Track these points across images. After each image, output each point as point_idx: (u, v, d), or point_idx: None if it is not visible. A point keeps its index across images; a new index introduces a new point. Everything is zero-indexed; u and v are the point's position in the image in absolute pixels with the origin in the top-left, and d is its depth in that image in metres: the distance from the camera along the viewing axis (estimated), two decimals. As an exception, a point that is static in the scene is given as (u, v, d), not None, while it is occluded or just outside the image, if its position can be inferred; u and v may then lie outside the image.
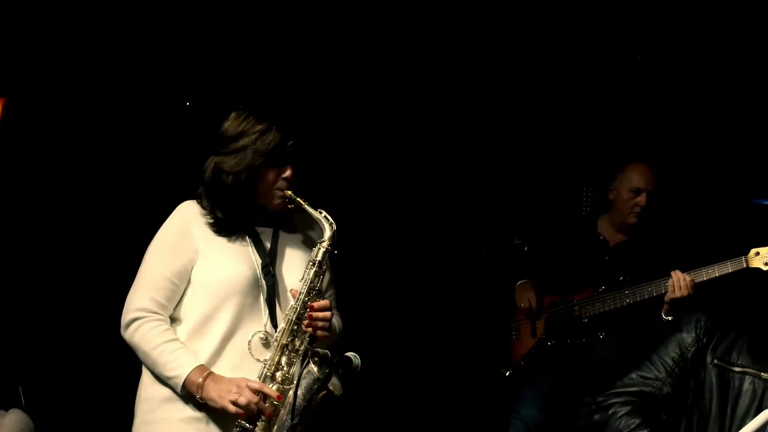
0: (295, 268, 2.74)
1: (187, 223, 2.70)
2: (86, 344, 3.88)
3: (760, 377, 2.29)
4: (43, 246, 3.93)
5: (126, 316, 2.64)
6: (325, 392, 2.45)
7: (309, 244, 2.80)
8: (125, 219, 3.90)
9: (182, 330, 2.66)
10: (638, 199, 3.82)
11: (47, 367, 3.84)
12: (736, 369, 2.33)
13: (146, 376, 2.68)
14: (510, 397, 3.94)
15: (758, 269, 3.30)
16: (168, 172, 3.85)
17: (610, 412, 2.44)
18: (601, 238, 3.94)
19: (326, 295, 2.81)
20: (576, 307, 3.81)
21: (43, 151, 3.94)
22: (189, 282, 2.67)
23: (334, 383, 2.46)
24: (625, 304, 3.66)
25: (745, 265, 3.34)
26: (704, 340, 2.37)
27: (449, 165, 4.59)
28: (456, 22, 4.24)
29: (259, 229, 2.76)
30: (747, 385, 2.30)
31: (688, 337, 2.41)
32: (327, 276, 2.78)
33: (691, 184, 4.27)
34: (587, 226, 3.99)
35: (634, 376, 2.47)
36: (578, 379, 3.80)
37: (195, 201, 2.74)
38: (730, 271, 3.38)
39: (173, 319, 2.68)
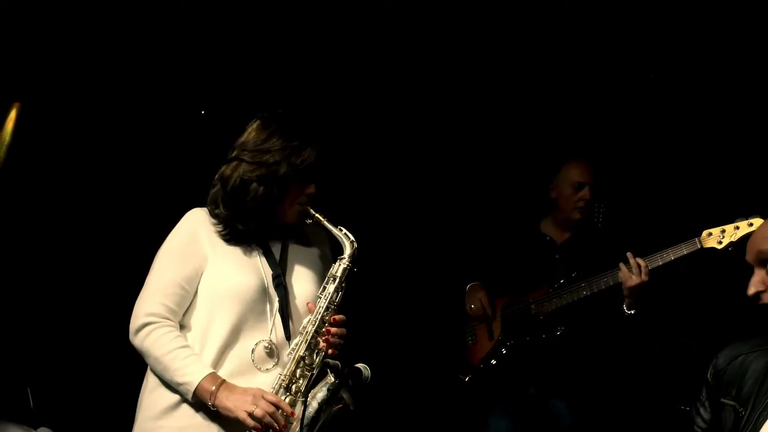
0: (303, 280, 2.74)
1: (196, 229, 2.69)
2: (94, 347, 3.88)
3: (736, 408, 2.31)
4: (51, 250, 3.96)
5: (136, 321, 2.61)
6: (341, 405, 2.45)
7: (317, 257, 2.81)
8: (131, 224, 3.93)
9: (188, 337, 2.64)
10: (581, 193, 3.79)
11: (56, 370, 3.86)
12: (722, 400, 2.36)
13: (149, 384, 2.66)
14: (477, 403, 3.84)
15: (713, 249, 3.25)
16: (176, 177, 3.88)
17: None
18: (548, 238, 3.90)
19: None
20: (532, 306, 3.74)
21: (56, 156, 4.00)
22: (197, 288, 2.66)
23: (348, 397, 2.46)
24: (582, 296, 3.60)
25: (699, 246, 3.29)
26: (713, 382, 2.40)
27: (448, 164, 4.50)
28: (457, 23, 4.18)
29: (269, 241, 2.76)
30: (729, 416, 2.34)
31: (707, 385, 2.46)
32: None
33: (691, 185, 4.13)
34: (531, 229, 3.94)
35: None
36: (545, 382, 3.72)
37: (204, 209, 2.73)
38: (685, 253, 3.34)
39: (181, 326, 2.66)
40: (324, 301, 2.64)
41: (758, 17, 3.77)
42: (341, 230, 2.69)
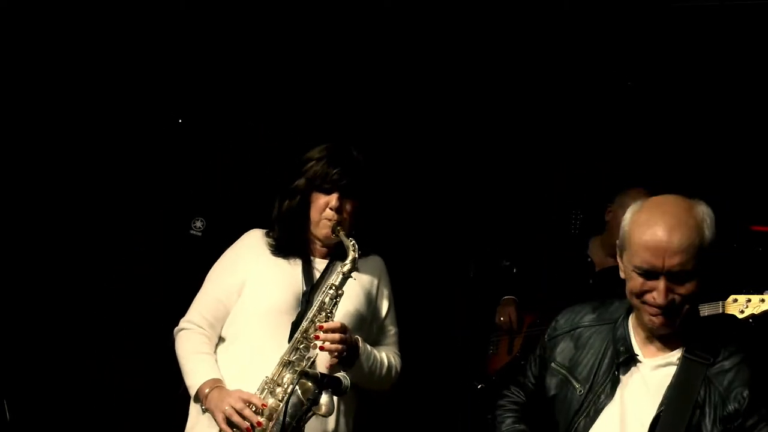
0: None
1: (244, 249, 2.90)
2: (70, 357, 3.99)
3: (568, 380, 2.32)
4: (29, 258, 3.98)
5: (180, 323, 2.89)
6: (312, 414, 2.51)
7: (362, 282, 2.88)
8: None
9: (222, 345, 2.85)
10: None
11: (31, 382, 3.90)
12: (553, 365, 2.38)
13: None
14: (483, 411, 3.86)
15: (733, 316, 3.26)
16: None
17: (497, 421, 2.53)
18: (589, 260, 3.92)
19: (387, 328, 2.95)
20: None
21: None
22: (238, 300, 2.85)
23: (325, 402, 2.50)
24: None
25: (721, 311, 3.29)
26: (549, 345, 2.42)
27: (440, 176, 4.48)
28: (463, 44, 4.27)
29: (315, 260, 2.90)
30: (558, 384, 2.35)
31: (542, 345, 2.47)
32: (386, 311, 2.93)
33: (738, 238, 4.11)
34: (577, 247, 3.98)
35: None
36: None
37: (260, 230, 2.93)
38: (706, 314, 3.28)
39: (220, 337, 2.87)
40: (315, 305, 2.72)
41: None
42: (351, 240, 2.77)
